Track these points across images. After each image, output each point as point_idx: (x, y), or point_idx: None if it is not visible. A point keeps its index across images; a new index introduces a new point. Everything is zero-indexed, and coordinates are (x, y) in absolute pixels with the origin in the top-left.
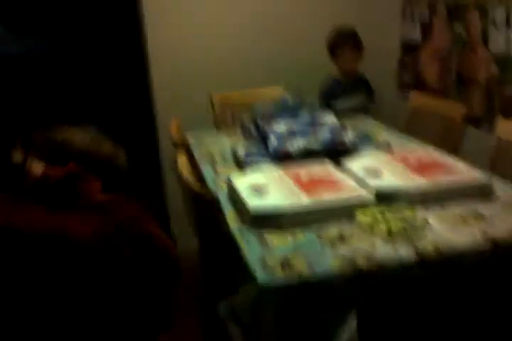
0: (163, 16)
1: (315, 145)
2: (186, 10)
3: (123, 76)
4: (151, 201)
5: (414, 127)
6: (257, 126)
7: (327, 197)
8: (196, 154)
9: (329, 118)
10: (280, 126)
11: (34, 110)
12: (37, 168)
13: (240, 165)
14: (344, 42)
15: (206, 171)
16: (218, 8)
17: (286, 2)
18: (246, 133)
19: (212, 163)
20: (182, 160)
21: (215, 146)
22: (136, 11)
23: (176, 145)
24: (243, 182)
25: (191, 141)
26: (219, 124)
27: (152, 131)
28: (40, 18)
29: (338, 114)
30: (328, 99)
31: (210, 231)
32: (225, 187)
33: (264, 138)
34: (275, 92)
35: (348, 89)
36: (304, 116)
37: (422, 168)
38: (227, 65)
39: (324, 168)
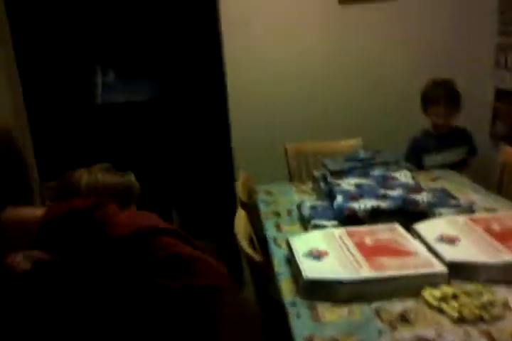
0: (242, 63)
1: (384, 205)
2: (265, 57)
3: (206, 130)
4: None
5: (505, 185)
6: (326, 182)
7: (392, 269)
8: (262, 210)
9: (403, 176)
10: (349, 184)
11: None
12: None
13: (304, 224)
14: (439, 96)
15: (269, 229)
16: (298, 53)
17: (375, 49)
18: (316, 189)
19: (277, 220)
20: (240, 222)
21: (283, 201)
22: (221, 61)
23: (240, 203)
24: (302, 245)
25: (259, 195)
26: (293, 176)
27: (231, 179)
28: (144, 71)
29: (428, 170)
30: (418, 153)
31: (267, 295)
32: (285, 247)
33: (331, 197)
34: (352, 145)
35: (443, 142)
36: (376, 173)
37: (508, 236)
38: (305, 114)
39: (393, 233)
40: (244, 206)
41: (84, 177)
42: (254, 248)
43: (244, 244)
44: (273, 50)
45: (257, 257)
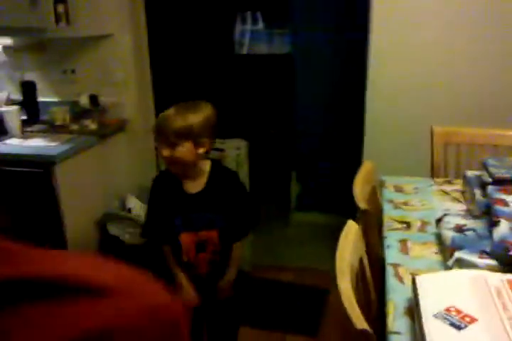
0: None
1: None
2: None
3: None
4: None
5: None
6: (484, 192)
7: None
8: (386, 213)
9: None
10: None
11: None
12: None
13: (444, 250)
14: None
15: (390, 248)
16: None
17: None
18: (468, 199)
19: (404, 235)
20: (346, 244)
21: (418, 205)
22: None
23: (358, 209)
24: (435, 297)
25: (386, 191)
26: (437, 171)
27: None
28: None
29: None
30: None
31: None
32: (409, 284)
33: (490, 216)
34: None
35: None
36: None
37: None
38: (462, 94)
39: None
40: (361, 213)
41: (178, 122)
42: (364, 287)
43: (345, 287)
44: (421, 20)
45: (359, 323)
